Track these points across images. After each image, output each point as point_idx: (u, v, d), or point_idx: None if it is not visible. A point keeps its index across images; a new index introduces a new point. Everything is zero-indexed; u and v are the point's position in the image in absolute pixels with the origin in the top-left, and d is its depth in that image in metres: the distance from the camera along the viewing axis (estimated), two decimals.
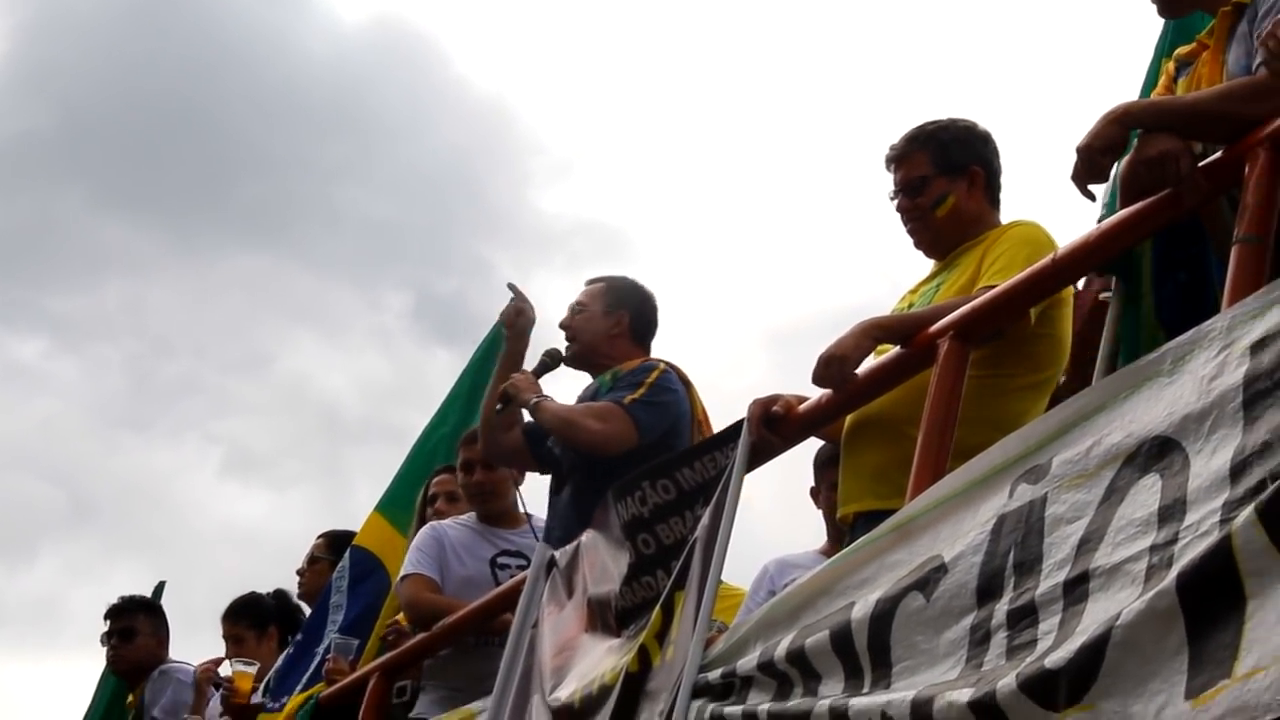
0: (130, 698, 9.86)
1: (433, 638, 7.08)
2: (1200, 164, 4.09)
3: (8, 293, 28.32)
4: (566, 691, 5.46)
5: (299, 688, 7.99)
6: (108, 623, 9.91)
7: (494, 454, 7.31)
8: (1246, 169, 3.93)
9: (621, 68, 30.24)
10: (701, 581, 4.96)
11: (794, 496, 6.49)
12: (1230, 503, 3.19)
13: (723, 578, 5.07)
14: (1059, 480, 3.74)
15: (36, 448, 26.39)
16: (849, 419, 5.21)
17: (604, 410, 6.63)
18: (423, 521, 7.82)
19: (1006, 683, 3.43)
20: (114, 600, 9.97)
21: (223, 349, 28.26)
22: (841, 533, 5.31)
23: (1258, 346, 3.36)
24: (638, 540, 5.46)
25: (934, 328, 4.76)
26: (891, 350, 4.96)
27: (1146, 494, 3.45)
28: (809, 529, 6.35)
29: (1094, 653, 3.26)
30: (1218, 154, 4.08)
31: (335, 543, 8.84)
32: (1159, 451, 3.48)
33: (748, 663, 4.57)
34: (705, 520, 5.14)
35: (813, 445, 5.93)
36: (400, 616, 7.54)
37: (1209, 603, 3.08)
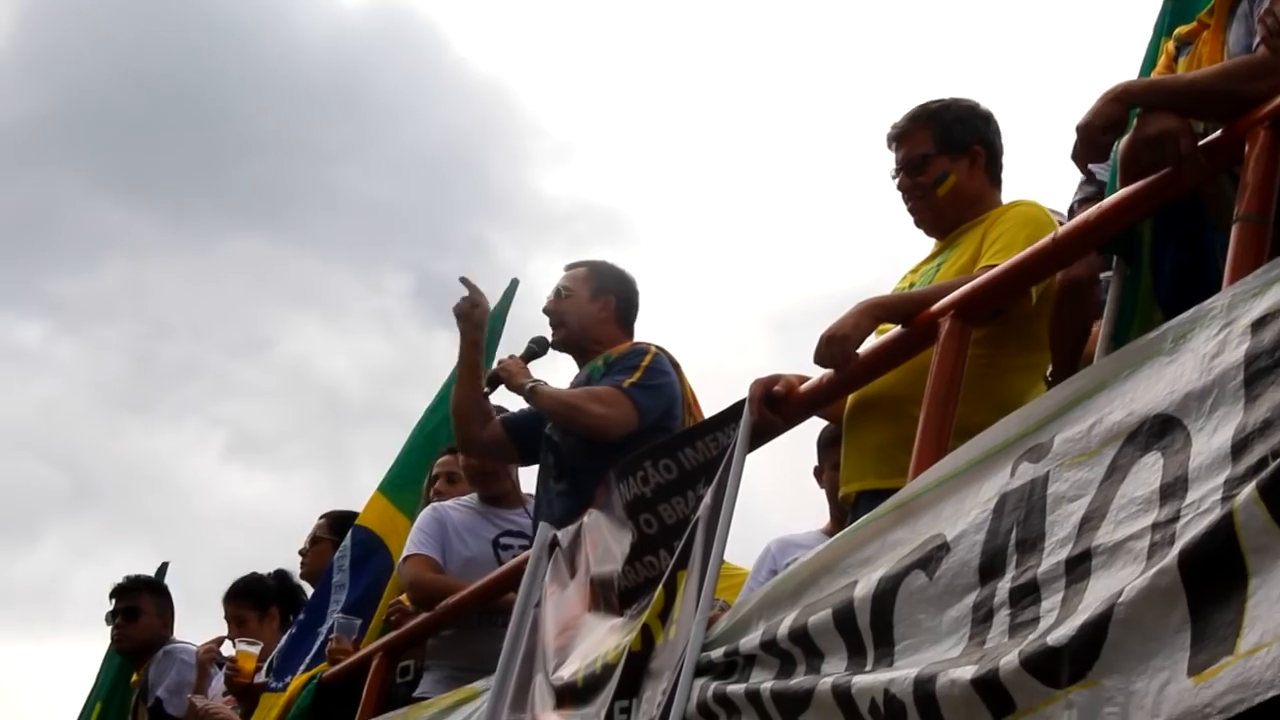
0: (134, 677, 9.88)
1: (435, 617, 7.09)
2: (1200, 143, 4.09)
3: (8, 275, 28.36)
4: (569, 670, 5.48)
5: (302, 667, 8.00)
6: (113, 601, 9.92)
7: (472, 448, 7.33)
8: (1247, 147, 3.93)
9: (622, 50, 30.22)
10: (704, 561, 4.98)
11: (797, 477, 6.50)
12: (1232, 480, 3.20)
13: (725, 557, 5.09)
14: (1061, 458, 3.75)
15: (38, 430, 26.42)
16: (850, 398, 5.22)
17: (605, 394, 6.63)
18: (428, 502, 7.84)
19: (1009, 660, 3.45)
20: (119, 580, 9.99)
21: (223, 331, 28.27)
22: (844, 512, 5.32)
23: (1259, 324, 3.37)
24: (640, 520, 5.47)
25: (935, 307, 4.77)
26: (893, 330, 4.96)
27: (1148, 472, 3.46)
28: (812, 509, 6.36)
29: (1096, 630, 3.27)
30: (1218, 133, 4.09)
31: (337, 523, 8.84)
32: (1160, 430, 3.49)
33: (750, 641, 4.58)
34: (707, 500, 5.15)
35: (815, 425, 5.94)
36: (403, 596, 7.55)
37: (1211, 580, 3.09)
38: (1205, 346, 3.48)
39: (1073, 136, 4.31)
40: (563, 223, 27.43)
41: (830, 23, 27.63)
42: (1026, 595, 3.63)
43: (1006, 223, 5.10)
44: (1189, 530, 3.22)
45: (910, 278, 5.31)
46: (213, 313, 27.89)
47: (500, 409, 7.61)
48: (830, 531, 5.79)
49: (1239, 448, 3.23)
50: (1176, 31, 4.78)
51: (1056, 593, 3.54)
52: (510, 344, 7.91)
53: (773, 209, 26.76)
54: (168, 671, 9.44)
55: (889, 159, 5.39)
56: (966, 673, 3.57)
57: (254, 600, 9.24)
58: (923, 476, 4.28)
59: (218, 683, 8.92)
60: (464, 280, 7.14)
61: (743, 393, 5.22)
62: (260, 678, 8.27)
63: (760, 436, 5.23)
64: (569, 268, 7.11)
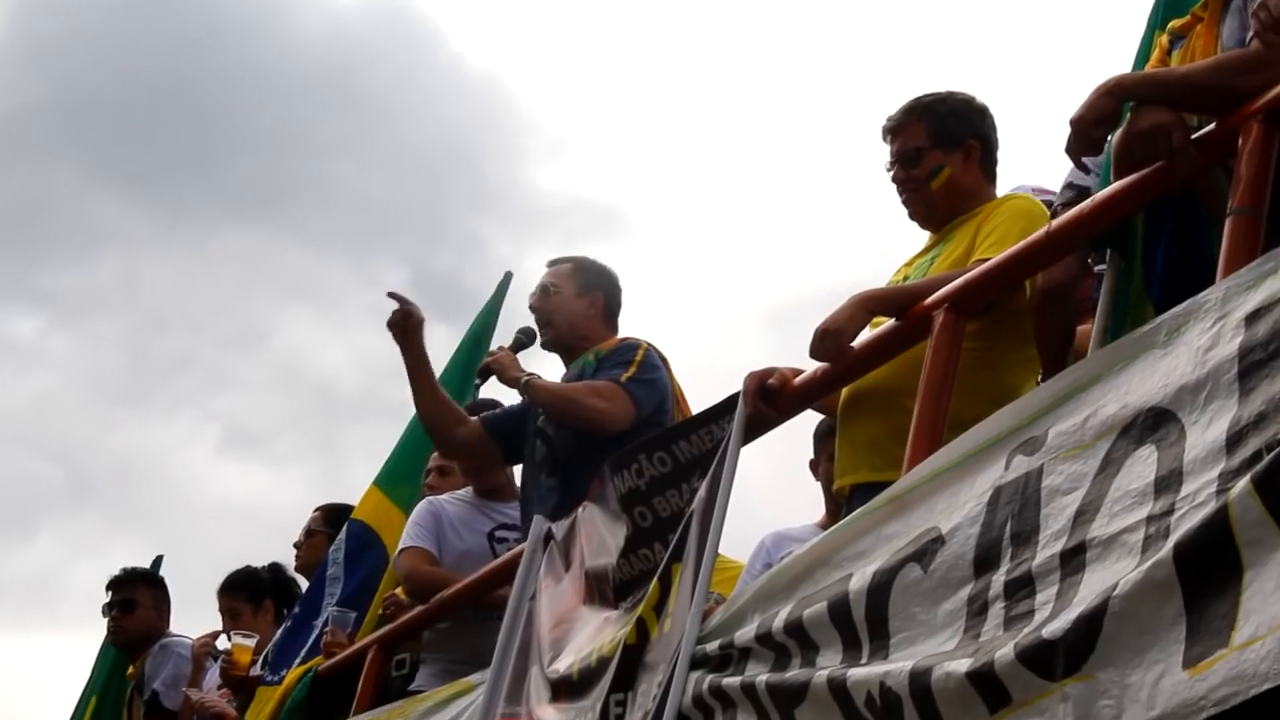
0: (130, 669, 9.88)
1: (430, 610, 7.09)
2: (1194, 136, 4.10)
3: (2, 269, 28.32)
4: (565, 663, 5.48)
5: (297, 661, 8.00)
6: (109, 594, 9.92)
7: (450, 449, 7.34)
8: (1240, 141, 3.94)
9: (617, 45, 30.19)
10: (699, 554, 4.98)
11: (791, 470, 6.51)
12: (1226, 473, 3.20)
13: (721, 551, 5.09)
14: (1055, 451, 3.75)
15: (32, 424, 26.41)
16: (845, 391, 5.23)
17: (605, 389, 6.63)
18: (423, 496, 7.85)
19: (1004, 653, 3.45)
20: (115, 572, 9.99)
21: (218, 325, 28.25)
22: (839, 505, 5.33)
23: (1252, 318, 3.37)
24: (634, 513, 5.47)
25: (929, 300, 4.77)
26: (887, 323, 4.97)
27: (1143, 465, 3.46)
28: (807, 502, 6.37)
29: (1091, 623, 3.27)
30: (1211, 126, 4.09)
31: (331, 516, 8.85)
32: (1155, 423, 3.49)
33: (746, 634, 4.59)
34: (702, 493, 5.15)
35: (810, 419, 5.95)
36: (399, 589, 7.56)
37: (1206, 573, 3.09)
38: (1199, 340, 3.48)
39: (1066, 130, 4.32)
40: (558, 217, 27.44)
41: (825, 17, 27.64)
42: (1021, 588, 3.63)
43: (1000, 216, 5.11)
44: (1184, 523, 3.23)
45: (904, 271, 5.31)
46: (208, 306, 27.91)
47: (495, 402, 7.62)
48: (825, 525, 5.81)
49: (1233, 441, 3.24)
50: (1170, 25, 4.78)
51: (1051, 586, 3.54)
52: (502, 337, 7.91)
53: (767, 204, 26.79)
54: (164, 665, 9.44)
55: (884, 152, 5.39)
56: (961, 665, 3.57)
57: (248, 593, 9.24)
58: (917, 469, 4.28)
59: (212, 675, 8.93)
60: (392, 294, 7.07)
61: (737, 386, 5.23)
62: (255, 670, 8.27)
63: (755, 429, 5.23)
64: (552, 264, 7.09)
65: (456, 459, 7.52)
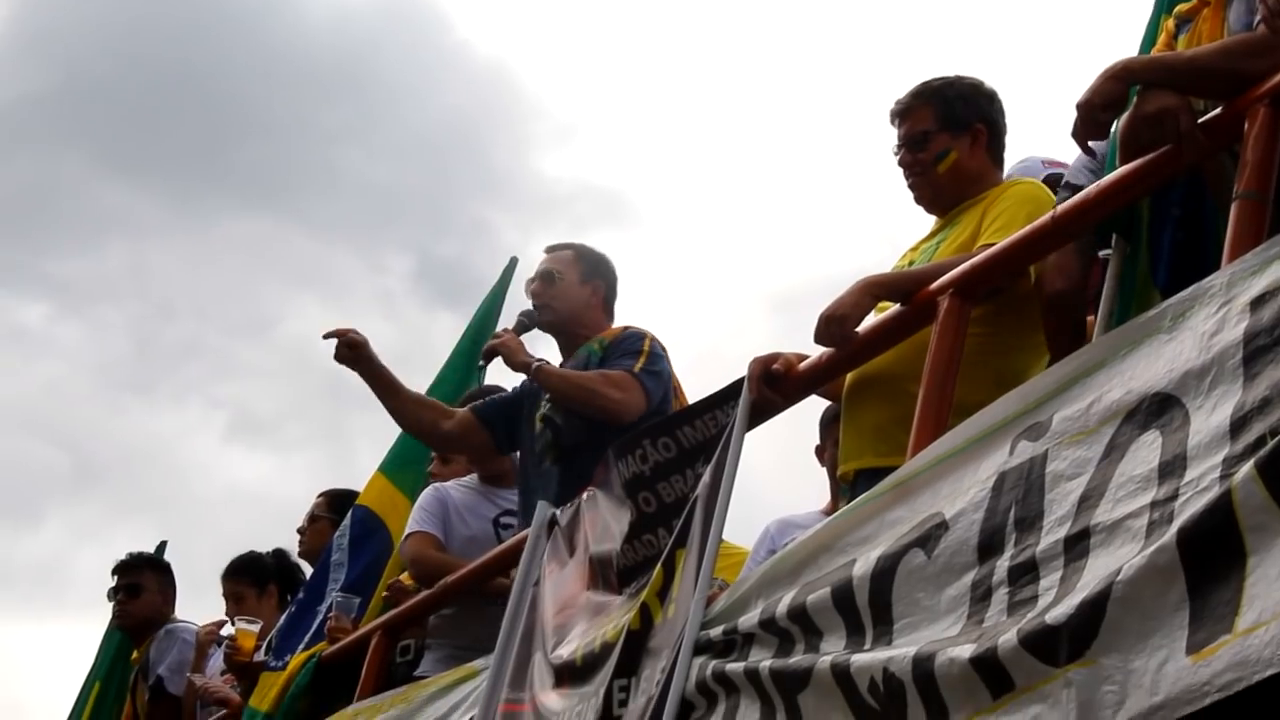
0: (135, 654, 9.89)
1: (434, 596, 7.09)
2: (1200, 120, 4.08)
3: (10, 256, 28.32)
4: (569, 649, 5.48)
5: (301, 646, 7.99)
6: (115, 578, 9.92)
7: (440, 444, 7.34)
8: (1246, 125, 3.93)
9: (623, 32, 30.14)
10: (703, 539, 4.97)
11: (796, 456, 6.50)
12: (1230, 459, 3.19)
13: (725, 537, 5.09)
14: (1059, 437, 3.75)
15: (40, 411, 26.44)
16: (850, 377, 5.22)
17: (620, 379, 6.62)
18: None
19: (1008, 638, 3.45)
20: (121, 556, 9.99)
21: (225, 312, 28.25)
22: (844, 491, 5.32)
23: (1258, 303, 3.37)
24: (639, 498, 5.47)
25: (934, 285, 4.76)
26: (892, 308, 4.96)
27: (1147, 450, 3.46)
28: (811, 488, 6.36)
29: (1095, 608, 3.27)
30: (1218, 110, 4.08)
31: (335, 501, 8.84)
32: (1159, 408, 3.49)
33: (749, 620, 4.59)
34: (706, 478, 5.15)
35: (815, 404, 5.93)
36: (404, 575, 7.56)
37: (1209, 558, 3.09)
38: (1204, 325, 3.48)
39: (1073, 114, 4.30)
40: (565, 204, 27.44)
41: (832, 3, 27.61)
42: (1025, 574, 3.63)
43: (1006, 201, 5.10)
44: (1187, 509, 3.22)
45: (910, 255, 5.30)
46: (214, 293, 27.90)
47: (498, 388, 7.60)
48: (830, 512, 5.79)
49: (1238, 426, 3.23)
50: (1176, 9, 4.77)
51: (1055, 571, 3.54)
52: (507, 323, 7.88)
53: (773, 190, 26.78)
54: (169, 650, 9.43)
55: (891, 136, 5.38)
56: (965, 651, 3.57)
57: (252, 577, 9.23)
58: (921, 455, 4.28)
59: (216, 661, 8.93)
60: (326, 335, 7.10)
61: (743, 372, 5.22)
62: (259, 656, 8.27)
63: (759, 415, 5.22)
64: (551, 250, 7.07)
65: (451, 452, 7.52)
